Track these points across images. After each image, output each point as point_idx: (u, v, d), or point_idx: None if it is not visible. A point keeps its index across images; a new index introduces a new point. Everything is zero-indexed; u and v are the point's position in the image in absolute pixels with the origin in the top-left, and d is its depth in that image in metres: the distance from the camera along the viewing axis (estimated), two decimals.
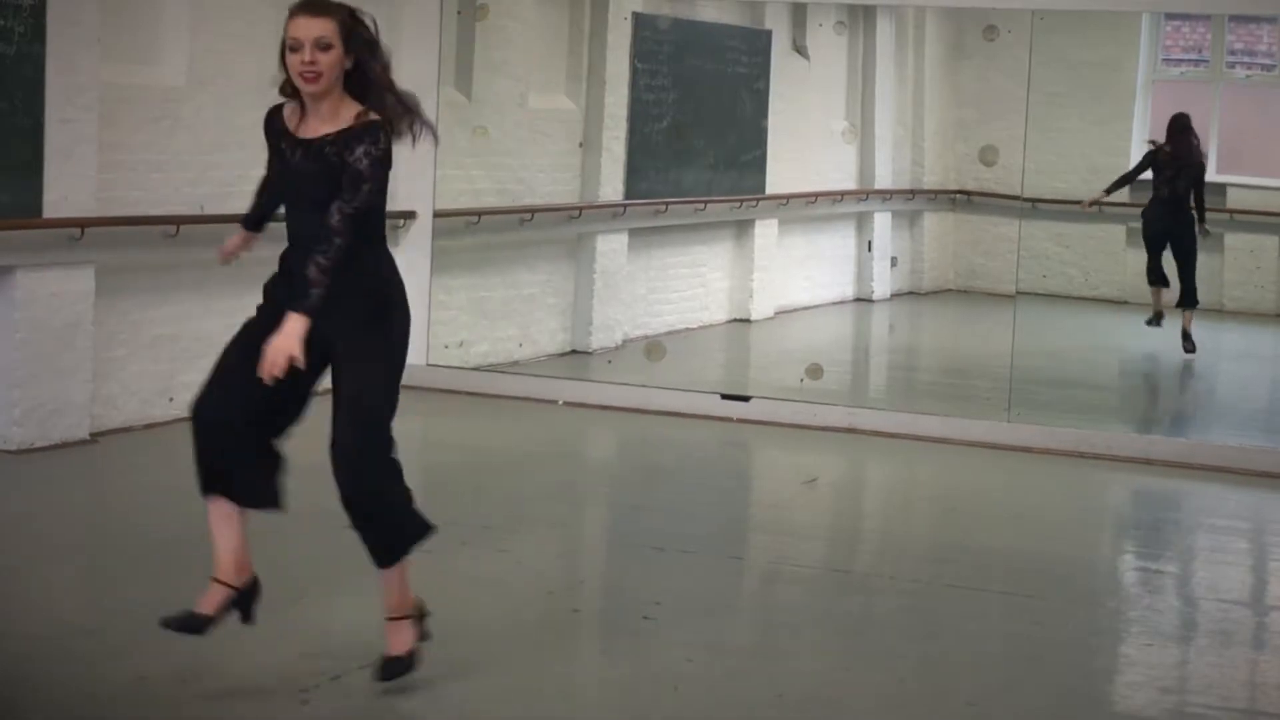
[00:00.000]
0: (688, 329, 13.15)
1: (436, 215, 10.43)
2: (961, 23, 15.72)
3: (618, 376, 10.83)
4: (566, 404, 10.19)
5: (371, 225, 4.86)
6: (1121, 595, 6.87)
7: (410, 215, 10.32)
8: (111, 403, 8.56)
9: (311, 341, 4.73)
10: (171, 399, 8.87)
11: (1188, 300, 12.65)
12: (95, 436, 8.35)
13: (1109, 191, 13.07)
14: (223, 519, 4.94)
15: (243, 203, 8.98)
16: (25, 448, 8.01)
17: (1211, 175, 14.30)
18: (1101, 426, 9.93)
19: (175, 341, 8.89)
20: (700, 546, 7.10)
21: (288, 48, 4.78)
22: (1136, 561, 7.59)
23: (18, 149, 7.83)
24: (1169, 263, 12.67)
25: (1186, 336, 12.64)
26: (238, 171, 8.97)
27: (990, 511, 8.20)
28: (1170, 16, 15.38)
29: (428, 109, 4.95)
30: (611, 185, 12.06)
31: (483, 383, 10.34)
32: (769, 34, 13.66)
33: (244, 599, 4.99)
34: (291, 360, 4.65)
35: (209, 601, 4.93)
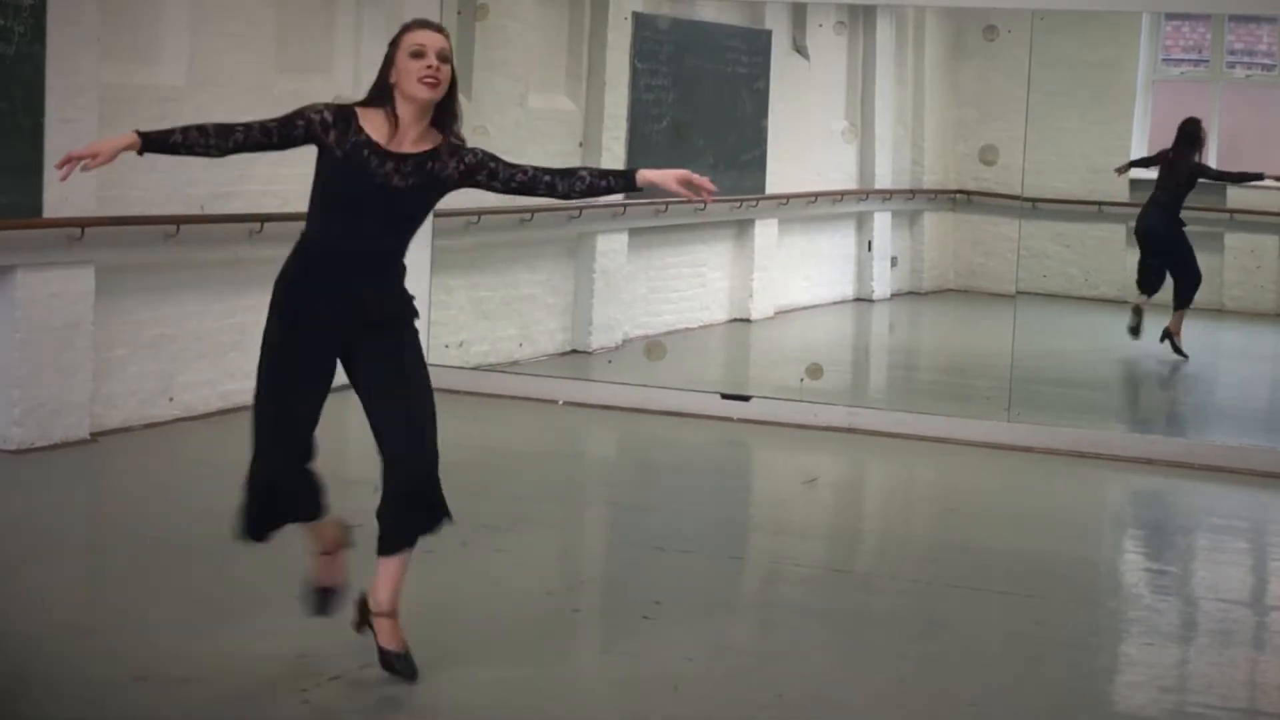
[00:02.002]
0: (688, 329, 13.15)
1: (436, 215, 10.34)
2: (961, 23, 15.71)
3: (618, 376, 10.82)
4: (566, 404, 10.19)
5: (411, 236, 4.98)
6: (1121, 595, 6.87)
7: None
8: (111, 403, 8.56)
9: (326, 350, 4.89)
10: (171, 399, 8.88)
11: (1180, 299, 12.48)
12: (95, 436, 8.35)
13: (1124, 169, 13.42)
14: (306, 530, 5.23)
15: (243, 203, 9.09)
16: (25, 448, 8.01)
17: None
18: (1101, 426, 9.92)
19: (175, 341, 8.89)
20: (700, 546, 7.10)
21: (409, 54, 4.82)
22: (1136, 561, 7.59)
23: (18, 149, 7.83)
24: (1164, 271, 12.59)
25: (1167, 335, 12.35)
26: (238, 171, 8.97)
27: (990, 511, 8.19)
28: (1170, 16, 15.37)
29: None
30: None
31: (483, 382, 10.34)
32: (769, 34, 13.65)
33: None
34: None
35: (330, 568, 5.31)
